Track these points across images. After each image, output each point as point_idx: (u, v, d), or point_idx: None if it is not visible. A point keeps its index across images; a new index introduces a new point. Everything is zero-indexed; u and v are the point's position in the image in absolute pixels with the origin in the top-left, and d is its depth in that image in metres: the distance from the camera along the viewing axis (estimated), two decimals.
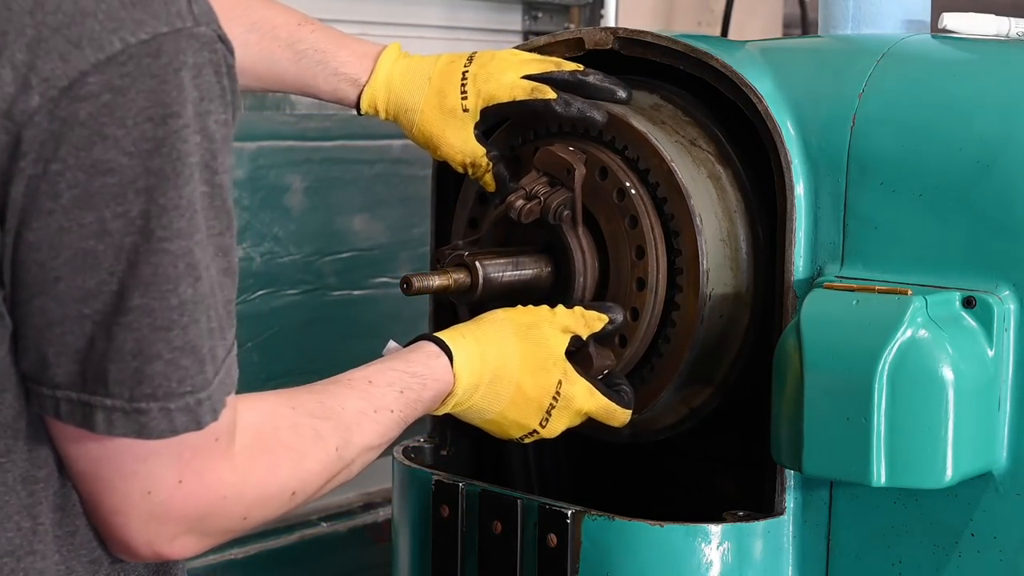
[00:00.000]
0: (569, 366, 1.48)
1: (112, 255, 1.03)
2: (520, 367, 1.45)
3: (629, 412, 1.53)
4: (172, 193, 1.04)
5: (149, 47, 1.02)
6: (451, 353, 1.41)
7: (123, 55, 1.02)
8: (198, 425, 1.08)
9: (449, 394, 1.41)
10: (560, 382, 1.47)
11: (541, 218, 1.54)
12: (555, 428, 1.49)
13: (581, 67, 1.57)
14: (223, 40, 1.08)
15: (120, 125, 1.02)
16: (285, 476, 1.20)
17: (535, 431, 1.48)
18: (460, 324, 1.47)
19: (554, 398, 1.47)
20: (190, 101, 1.04)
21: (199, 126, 1.06)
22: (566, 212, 1.53)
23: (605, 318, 1.52)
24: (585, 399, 1.49)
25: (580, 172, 1.52)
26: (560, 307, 1.50)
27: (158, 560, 1.16)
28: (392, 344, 1.46)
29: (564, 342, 1.49)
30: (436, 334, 1.43)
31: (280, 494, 1.20)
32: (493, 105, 1.56)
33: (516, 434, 1.49)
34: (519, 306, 1.50)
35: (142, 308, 1.04)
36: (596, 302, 1.55)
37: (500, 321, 1.47)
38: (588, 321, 1.51)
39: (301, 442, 1.22)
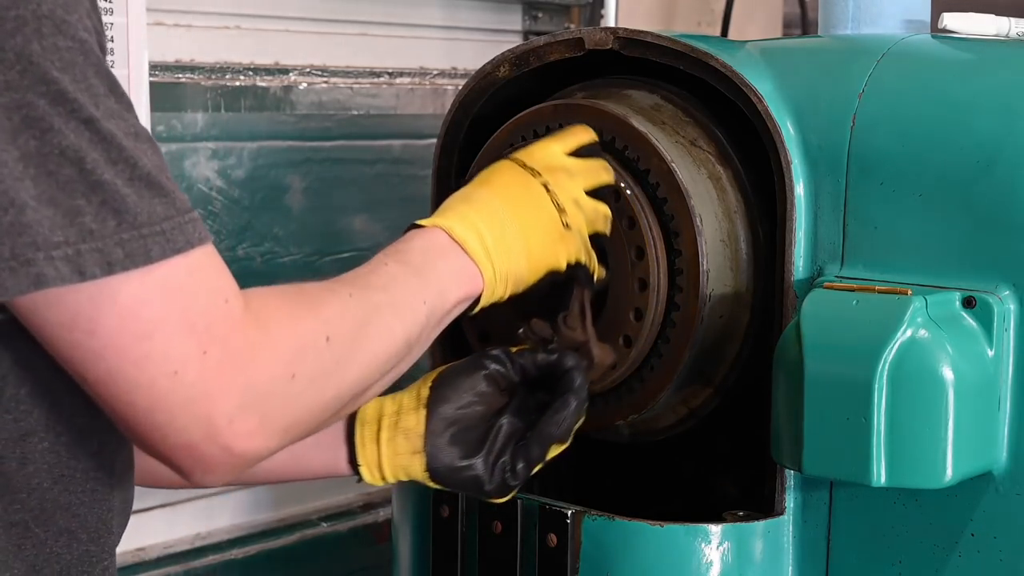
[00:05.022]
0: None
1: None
2: (519, 226, 1.42)
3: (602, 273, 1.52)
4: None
5: None
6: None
7: None
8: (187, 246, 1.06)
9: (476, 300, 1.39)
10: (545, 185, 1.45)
11: None
12: (577, 221, 1.46)
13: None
14: None
15: None
16: (310, 323, 1.16)
17: (567, 226, 1.44)
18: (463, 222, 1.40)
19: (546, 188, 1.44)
20: None
21: None
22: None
23: (608, 171, 1.50)
24: (571, 179, 1.47)
25: None
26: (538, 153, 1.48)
27: (236, 459, 1.10)
28: None
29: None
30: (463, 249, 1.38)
31: (314, 342, 1.16)
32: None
33: (560, 255, 1.45)
34: (504, 164, 1.46)
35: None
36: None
37: (496, 207, 1.43)
38: (589, 169, 1.49)
39: (309, 294, 1.20)
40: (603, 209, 1.51)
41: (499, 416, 1.45)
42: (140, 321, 1.05)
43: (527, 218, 1.43)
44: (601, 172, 1.51)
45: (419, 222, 1.39)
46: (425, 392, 1.46)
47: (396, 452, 1.44)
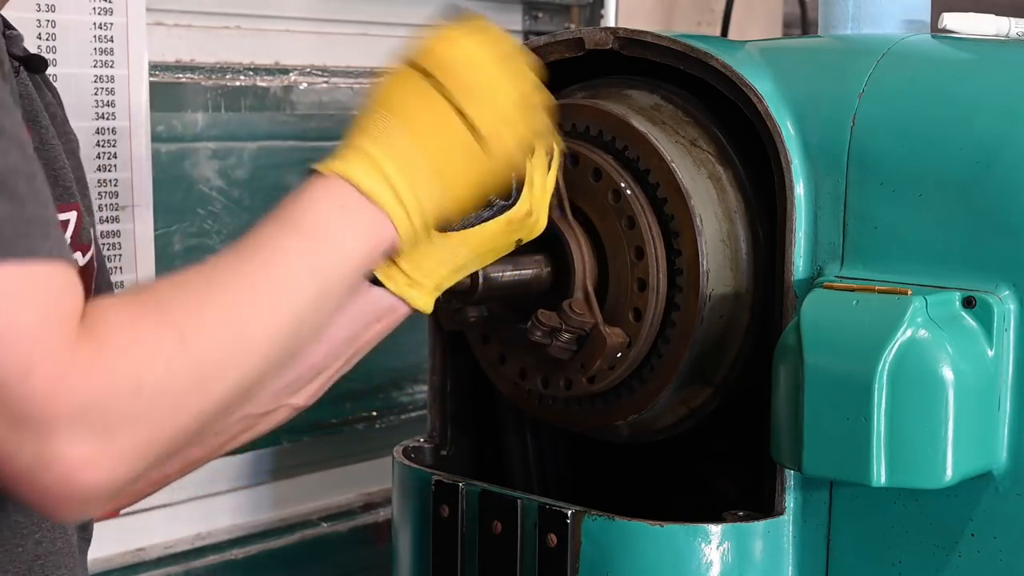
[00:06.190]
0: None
1: None
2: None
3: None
4: None
5: None
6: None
7: None
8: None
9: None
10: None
11: None
12: (501, 146, 1.27)
13: None
14: None
15: None
16: (155, 328, 1.04)
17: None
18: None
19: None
20: None
21: None
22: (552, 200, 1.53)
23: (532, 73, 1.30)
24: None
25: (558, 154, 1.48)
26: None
27: (80, 492, 0.98)
28: None
29: None
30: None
31: (163, 347, 1.03)
32: None
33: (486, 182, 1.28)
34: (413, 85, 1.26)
35: None
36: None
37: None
38: (514, 76, 1.28)
39: (158, 293, 1.07)
40: (539, 121, 1.33)
41: None
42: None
43: (439, 153, 1.25)
44: (525, 79, 1.30)
45: (319, 168, 1.21)
46: None
47: None
